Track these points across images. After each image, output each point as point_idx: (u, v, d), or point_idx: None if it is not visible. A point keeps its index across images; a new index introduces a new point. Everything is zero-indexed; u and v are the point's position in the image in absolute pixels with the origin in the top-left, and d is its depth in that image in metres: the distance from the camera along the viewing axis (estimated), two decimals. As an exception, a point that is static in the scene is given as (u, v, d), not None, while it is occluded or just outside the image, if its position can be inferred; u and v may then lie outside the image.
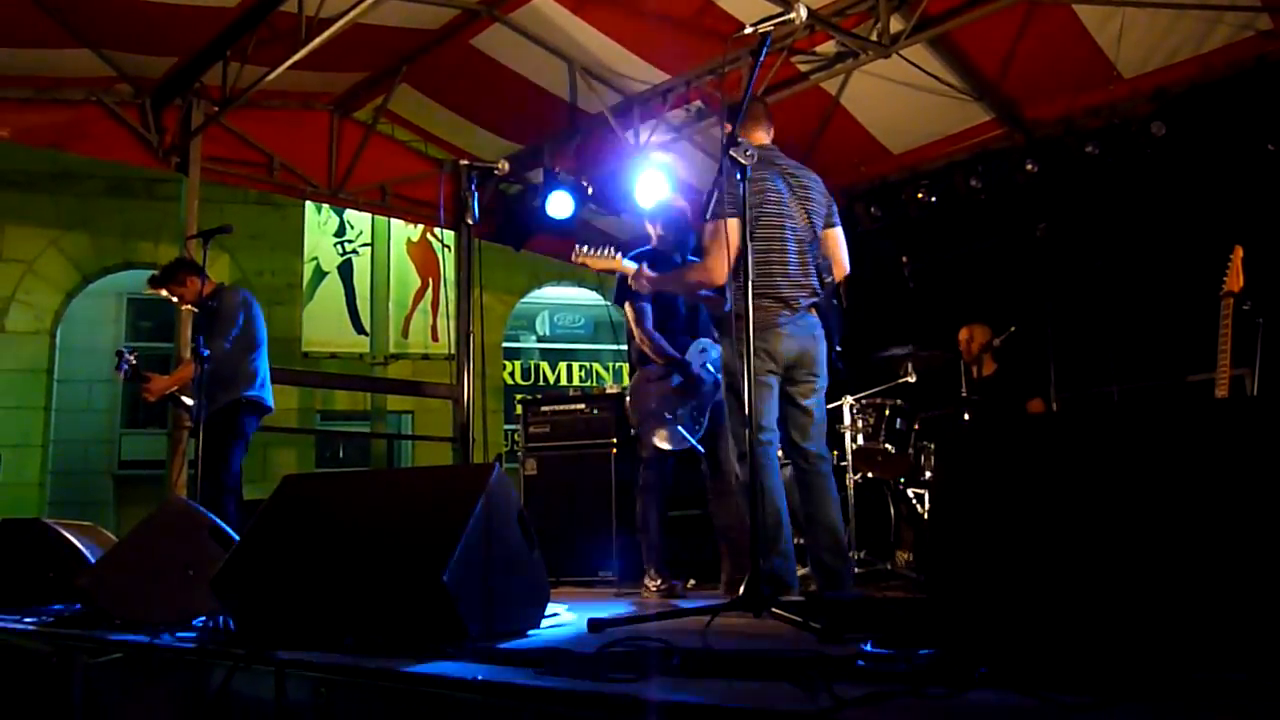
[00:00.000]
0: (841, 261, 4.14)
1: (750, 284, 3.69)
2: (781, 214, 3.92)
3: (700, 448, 4.97)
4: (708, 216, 3.69)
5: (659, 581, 5.13)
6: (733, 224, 3.72)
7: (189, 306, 5.96)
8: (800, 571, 5.28)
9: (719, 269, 3.85)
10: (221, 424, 5.57)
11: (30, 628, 3.69)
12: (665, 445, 4.92)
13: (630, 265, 4.43)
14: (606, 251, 4.47)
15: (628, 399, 5.15)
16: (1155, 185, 5.99)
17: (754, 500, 3.45)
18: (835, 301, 4.03)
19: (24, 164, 11.08)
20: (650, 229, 5.23)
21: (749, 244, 3.69)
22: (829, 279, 4.02)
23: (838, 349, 4.07)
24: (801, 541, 4.19)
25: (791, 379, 3.95)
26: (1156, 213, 5.96)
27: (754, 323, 3.72)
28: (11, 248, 11.73)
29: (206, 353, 5.30)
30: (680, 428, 4.88)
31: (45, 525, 4.59)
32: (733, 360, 3.93)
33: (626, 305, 5.08)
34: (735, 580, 4.88)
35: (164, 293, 5.85)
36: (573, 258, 4.53)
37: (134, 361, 5.66)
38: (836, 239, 4.13)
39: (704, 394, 4.98)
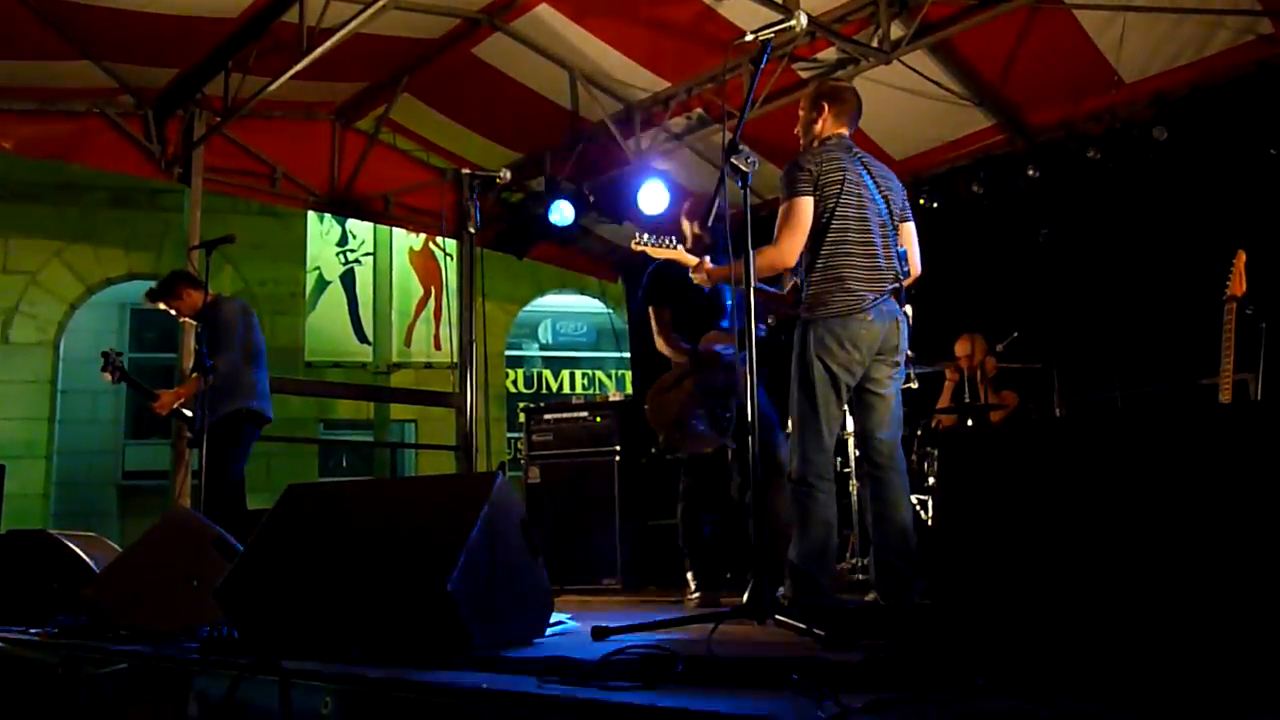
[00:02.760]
0: (915, 260, 3.96)
1: (826, 273, 3.67)
2: (861, 197, 3.75)
3: (733, 444, 4.80)
4: (709, 222, 3.66)
5: (697, 593, 4.99)
6: (807, 202, 3.67)
7: (187, 320, 5.98)
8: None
9: (791, 250, 3.68)
10: (223, 434, 5.57)
11: (35, 638, 3.69)
12: (700, 450, 4.84)
13: (692, 258, 4.35)
14: (668, 241, 4.38)
15: (647, 412, 5.03)
16: (1157, 190, 5.99)
17: (756, 506, 3.44)
18: (908, 303, 3.88)
19: (27, 176, 11.12)
20: (686, 227, 5.08)
21: (828, 227, 3.64)
22: (906, 272, 3.85)
23: (910, 354, 3.95)
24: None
25: (871, 365, 3.75)
26: (1159, 217, 5.96)
27: (837, 312, 3.66)
28: (15, 259, 11.76)
29: (210, 363, 5.33)
30: (702, 427, 4.76)
31: (50, 536, 4.59)
32: (807, 354, 3.71)
33: (650, 309, 5.03)
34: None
35: (162, 306, 5.87)
36: (633, 245, 4.39)
37: (120, 364, 5.68)
38: (911, 234, 3.96)
39: (725, 386, 4.76)
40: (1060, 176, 6.35)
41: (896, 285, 3.77)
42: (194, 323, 5.94)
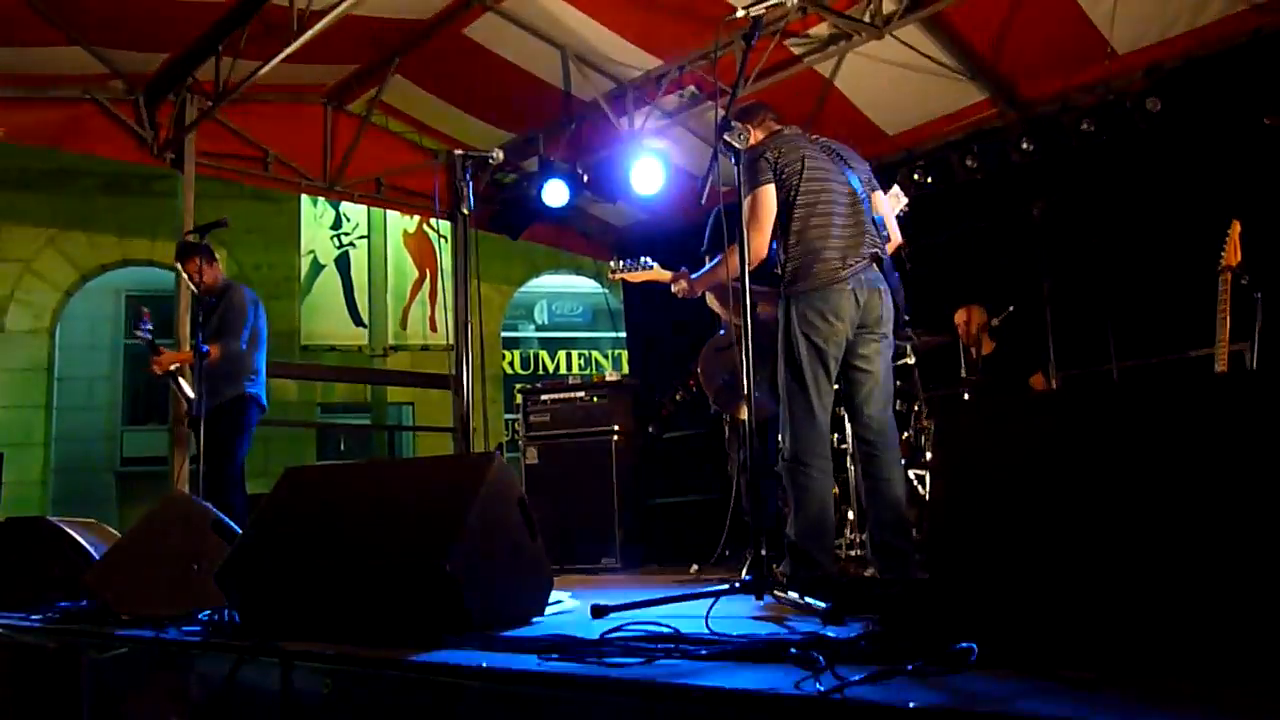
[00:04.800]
0: (893, 228, 3.98)
1: (800, 248, 3.66)
2: (825, 171, 3.77)
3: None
4: (703, 200, 3.66)
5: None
6: (768, 190, 3.68)
7: (193, 289, 5.97)
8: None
9: (761, 243, 3.70)
10: (227, 418, 5.61)
11: (37, 624, 3.70)
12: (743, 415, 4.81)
13: (667, 273, 4.36)
14: (644, 262, 4.40)
15: (699, 371, 4.94)
16: (1152, 161, 5.98)
17: (755, 487, 3.46)
18: (896, 272, 3.87)
19: (20, 163, 11.07)
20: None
21: (794, 205, 3.65)
22: (885, 239, 3.86)
23: (906, 317, 3.88)
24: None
25: (857, 339, 3.72)
26: (1153, 189, 5.96)
27: (815, 285, 3.65)
28: (9, 247, 11.73)
29: (206, 349, 5.33)
30: (756, 392, 4.66)
31: (49, 523, 4.60)
32: (791, 331, 3.69)
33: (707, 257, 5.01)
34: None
35: (185, 269, 5.89)
36: (610, 276, 4.49)
37: (150, 328, 5.69)
38: (884, 202, 3.98)
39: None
40: (1054, 149, 6.34)
41: (875, 251, 3.77)
42: (194, 292, 5.94)
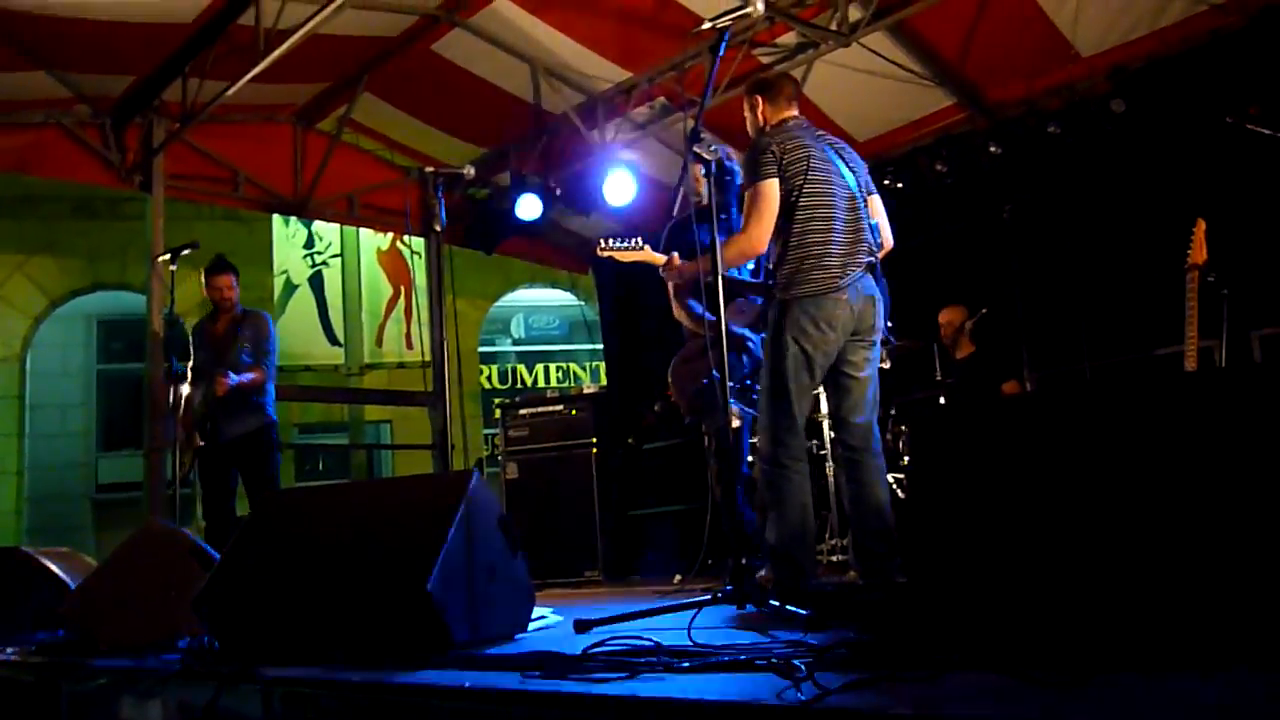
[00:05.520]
0: (886, 231, 3.93)
1: (799, 251, 3.62)
2: (828, 173, 3.71)
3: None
4: (675, 211, 3.66)
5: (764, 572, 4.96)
6: (772, 185, 3.63)
7: (218, 305, 5.95)
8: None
9: (761, 236, 3.65)
10: (265, 445, 5.74)
11: (14, 657, 3.66)
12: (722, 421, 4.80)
13: (659, 256, 4.30)
14: (634, 242, 4.31)
15: (671, 381, 4.91)
16: (1117, 162, 6.04)
17: (726, 492, 3.46)
18: (884, 279, 3.84)
19: (-15, 189, 10.98)
20: (696, 178, 4.50)
21: (795, 207, 3.61)
22: (880, 244, 3.82)
23: (889, 324, 3.88)
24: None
25: (847, 347, 3.71)
26: (1120, 189, 6.02)
27: (812, 292, 3.61)
28: (-23, 274, 11.62)
29: (233, 378, 5.52)
30: (733, 401, 4.60)
31: (24, 554, 4.55)
32: (781, 335, 3.65)
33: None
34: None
35: (218, 283, 5.89)
36: (598, 251, 4.34)
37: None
38: (879, 206, 3.94)
39: (753, 356, 4.62)
40: (1022, 152, 6.40)
41: (871, 259, 3.75)
42: (223, 314, 5.92)
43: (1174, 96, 5.71)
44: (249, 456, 5.65)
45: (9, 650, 3.77)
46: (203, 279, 5.93)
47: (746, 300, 4.43)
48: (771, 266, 3.80)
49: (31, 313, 11.85)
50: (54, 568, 4.37)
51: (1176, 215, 4.79)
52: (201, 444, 5.56)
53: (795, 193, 3.67)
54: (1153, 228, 5.49)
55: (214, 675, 2.70)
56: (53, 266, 11.92)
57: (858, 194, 3.79)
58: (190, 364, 5.68)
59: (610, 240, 4.30)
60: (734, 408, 4.59)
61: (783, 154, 3.68)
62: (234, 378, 5.59)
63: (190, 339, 5.98)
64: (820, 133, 3.89)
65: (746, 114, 3.98)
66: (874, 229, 3.81)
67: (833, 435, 3.97)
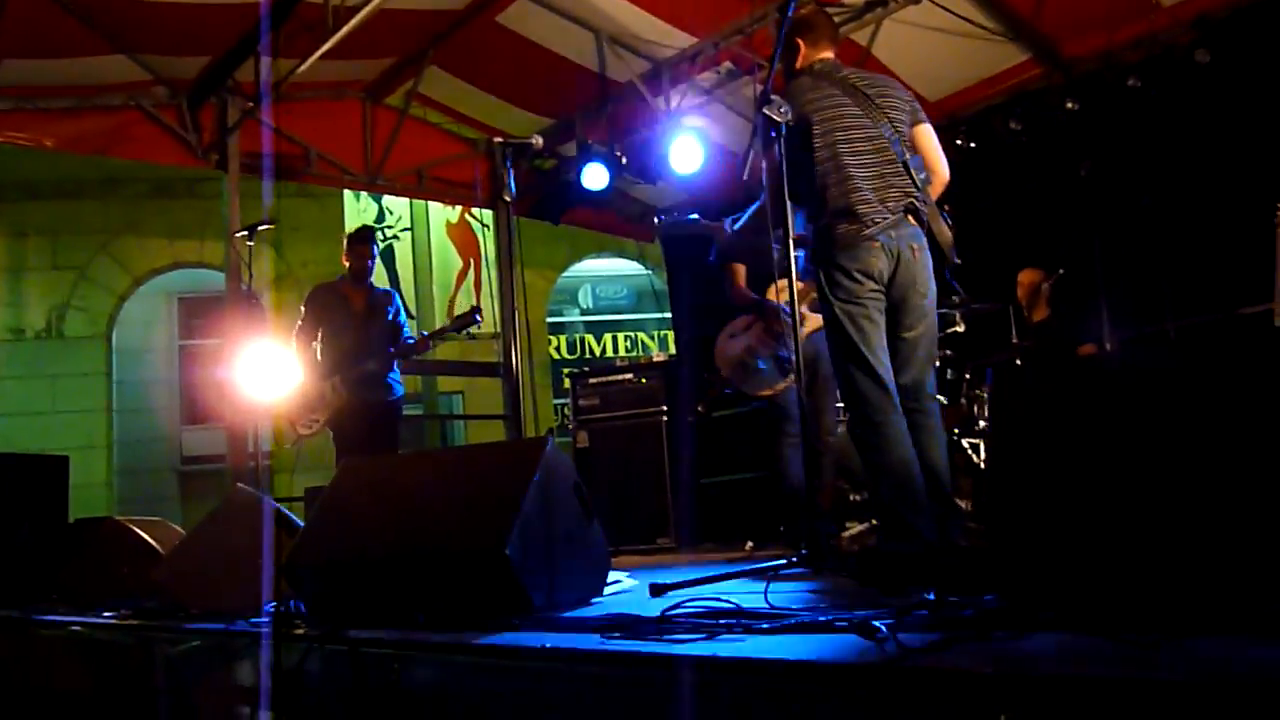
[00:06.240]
0: (937, 164, 3.72)
1: (824, 206, 3.55)
2: (843, 118, 3.58)
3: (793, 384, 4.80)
4: (745, 176, 3.62)
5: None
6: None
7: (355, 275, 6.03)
8: (855, 529, 5.28)
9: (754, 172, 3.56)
10: (398, 416, 5.99)
11: (110, 621, 3.80)
12: (764, 392, 4.97)
13: (716, 224, 4.39)
14: (687, 217, 4.47)
15: (715, 354, 5.20)
16: (1201, 115, 5.84)
17: (808, 456, 3.44)
18: (944, 214, 3.67)
19: (70, 172, 11.28)
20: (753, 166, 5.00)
21: (815, 161, 3.53)
22: (926, 181, 3.64)
23: (957, 261, 3.67)
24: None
25: (893, 302, 3.57)
26: (1204, 143, 5.82)
27: (841, 243, 3.51)
28: (64, 255, 11.96)
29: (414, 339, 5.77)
30: (764, 367, 4.93)
31: (117, 523, 4.71)
32: (825, 295, 3.55)
33: (728, 265, 5.19)
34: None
35: (368, 250, 6.01)
36: (656, 233, 4.48)
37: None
38: (926, 137, 3.73)
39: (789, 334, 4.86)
40: (1100, 107, 6.22)
41: (911, 202, 3.57)
42: (360, 282, 6.02)
43: (1260, 45, 5.50)
44: (383, 427, 5.81)
45: (106, 614, 3.92)
46: (345, 244, 6.03)
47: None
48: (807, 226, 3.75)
49: (116, 291, 12.19)
50: (145, 536, 4.51)
51: (1263, 169, 4.62)
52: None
53: (811, 148, 3.57)
54: (1238, 182, 5.31)
55: (301, 638, 2.78)
56: (135, 246, 12.23)
57: (888, 135, 3.61)
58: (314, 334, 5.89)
59: (664, 218, 4.42)
60: (763, 371, 4.80)
61: (799, 109, 3.56)
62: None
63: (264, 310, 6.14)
64: (845, 74, 3.74)
65: (782, 57, 3.83)
66: (916, 165, 3.61)
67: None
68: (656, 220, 4.49)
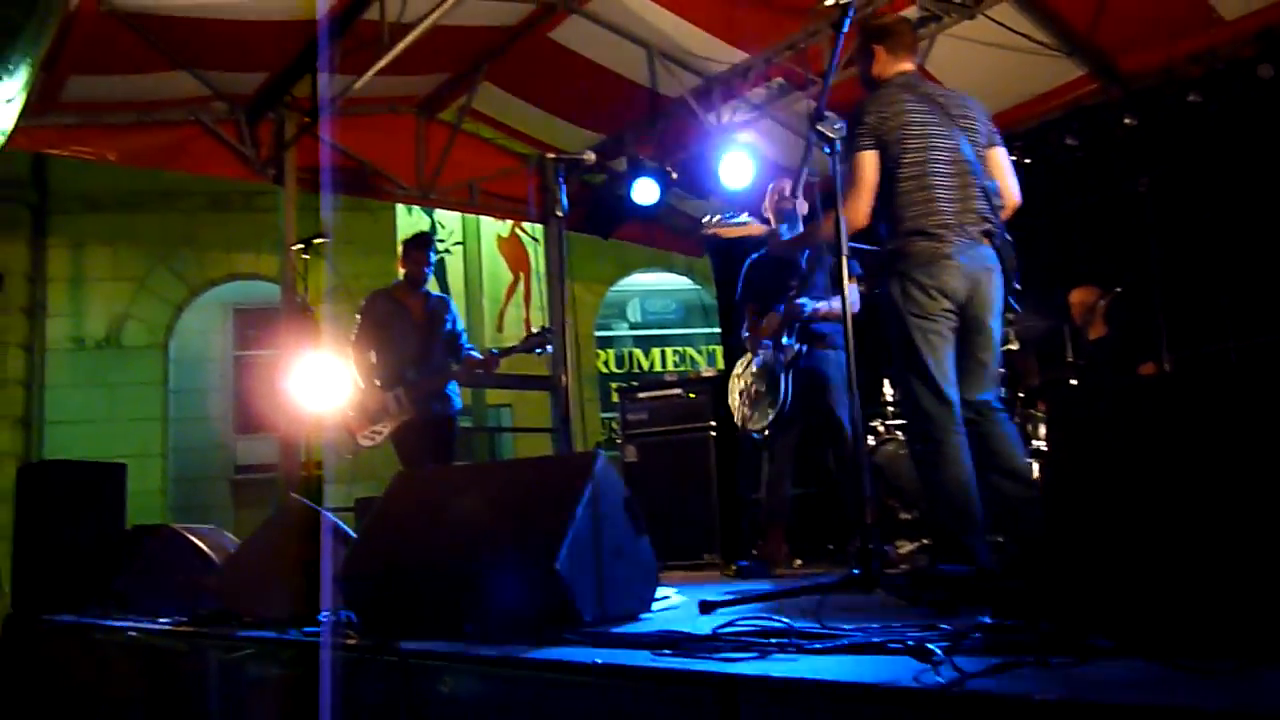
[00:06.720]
0: (1009, 188, 3.71)
1: (902, 224, 3.52)
2: (931, 137, 3.55)
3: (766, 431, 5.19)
4: (798, 193, 3.61)
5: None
6: (869, 156, 3.52)
7: (417, 282, 6.08)
8: (907, 547, 5.24)
9: (859, 209, 3.51)
10: (455, 429, 6.00)
11: (166, 627, 3.86)
12: (756, 427, 5.19)
13: (761, 227, 4.38)
14: (738, 218, 4.46)
15: (730, 398, 5.49)
16: (1264, 130, 5.72)
17: (857, 473, 3.41)
18: (1008, 236, 3.64)
19: (130, 185, 11.51)
20: (769, 208, 5.00)
21: (898, 178, 3.49)
22: (1000, 206, 3.62)
23: (1016, 287, 3.66)
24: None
25: (965, 322, 3.54)
26: (1267, 159, 5.70)
27: (919, 259, 3.48)
28: (124, 266, 12.21)
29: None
30: (753, 406, 5.16)
31: (172, 530, 4.78)
32: (897, 310, 3.53)
33: (743, 307, 5.37)
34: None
35: (423, 259, 6.03)
36: (705, 231, 4.51)
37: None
38: (1000, 160, 3.72)
39: (778, 364, 5.05)
40: (1159, 123, 6.11)
41: (988, 226, 3.55)
42: (416, 289, 6.05)
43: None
44: (444, 440, 5.81)
45: (162, 620, 3.98)
46: (402, 249, 6.10)
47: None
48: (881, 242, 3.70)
49: (174, 302, 12.42)
50: (200, 544, 4.58)
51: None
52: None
53: (893, 163, 3.53)
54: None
55: (353, 648, 2.80)
56: (192, 258, 12.46)
57: (968, 155, 3.59)
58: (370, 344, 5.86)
59: (715, 217, 4.41)
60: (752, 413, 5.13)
61: (878, 123, 3.55)
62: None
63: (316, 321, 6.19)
64: (928, 88, 3.73)
65: (858, 63, 3.83)
66: (993, 190, 3.60)
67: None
68: (703, 221, 4.51)
